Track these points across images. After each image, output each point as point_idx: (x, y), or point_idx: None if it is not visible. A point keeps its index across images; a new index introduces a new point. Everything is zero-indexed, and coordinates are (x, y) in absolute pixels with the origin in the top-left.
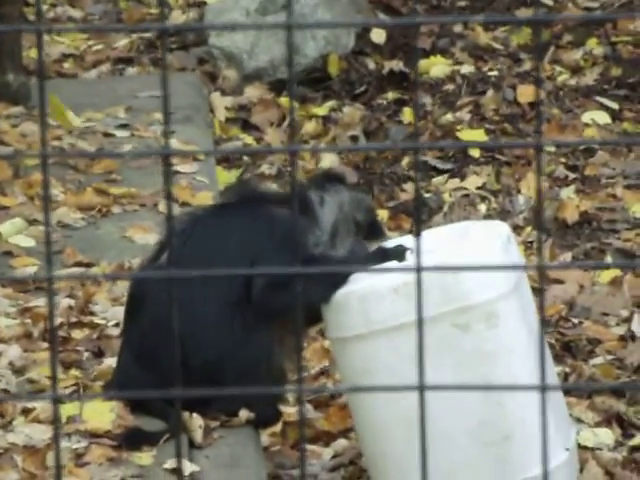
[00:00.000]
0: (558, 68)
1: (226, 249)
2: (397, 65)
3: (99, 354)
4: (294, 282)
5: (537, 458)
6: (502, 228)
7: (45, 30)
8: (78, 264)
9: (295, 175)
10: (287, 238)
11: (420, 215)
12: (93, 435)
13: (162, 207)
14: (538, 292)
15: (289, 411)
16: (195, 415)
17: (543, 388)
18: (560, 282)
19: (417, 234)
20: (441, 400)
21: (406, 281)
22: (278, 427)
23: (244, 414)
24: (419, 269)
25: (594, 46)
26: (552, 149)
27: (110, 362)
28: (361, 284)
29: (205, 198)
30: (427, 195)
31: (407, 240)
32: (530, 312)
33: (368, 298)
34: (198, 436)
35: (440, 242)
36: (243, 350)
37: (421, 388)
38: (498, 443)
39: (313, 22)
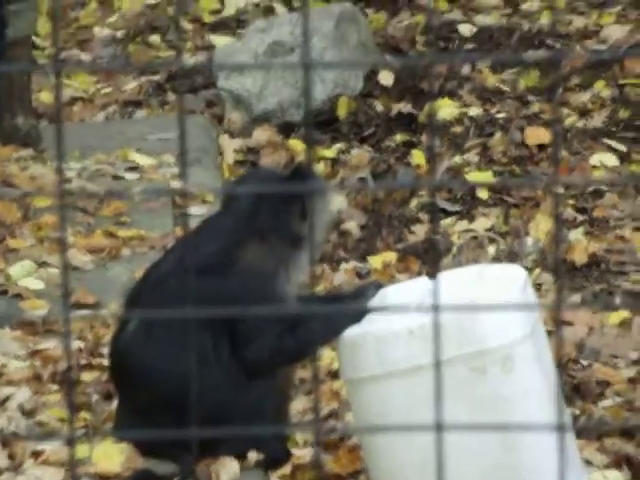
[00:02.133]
0: (566, 110)
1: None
2: (405, 107)
3: (109, 396)
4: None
5: None
6: (518, 271)
7: (63, 69)
8: (86, 306)
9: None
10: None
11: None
12: (103, 477)
13: None
14: (554, 332)
15: (298, 454)
16: (229, 459)
17: (560, 427)
18: (569, 324)
19: (434, 275)
20: (456, 443)
21: (422, 324)
22: (288, 469)
23: (253, 456)
24: (436, 309)
25: (602, 88)
26: (561, 191)
27: None
28: (377, 325)
29: None
30: (436, 237)
31: (422, 282)
32: (546, 357)
33: (384, 339)
34: (224, 479)
35: (456, 285)
36: (246, 396)
37: (439, 427)
38: None
39: (328, 62)
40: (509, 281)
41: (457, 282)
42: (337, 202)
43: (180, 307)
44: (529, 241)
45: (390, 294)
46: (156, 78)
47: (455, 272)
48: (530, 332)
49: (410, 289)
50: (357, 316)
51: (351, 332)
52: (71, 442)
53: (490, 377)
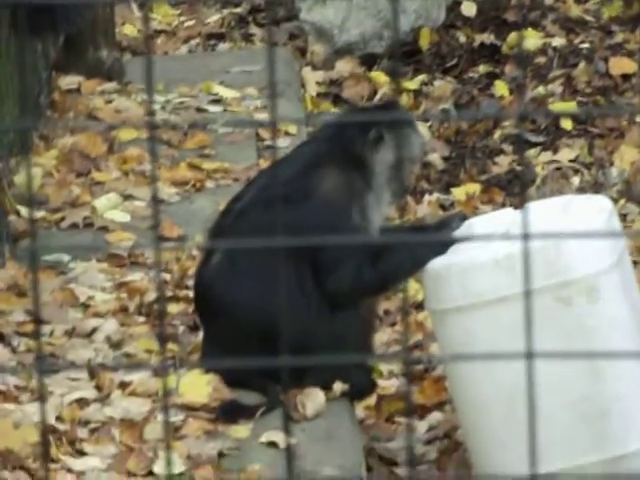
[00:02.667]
0: None
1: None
2: (488, 38)
3: (195, 328)
4: (372, 275)
5: (635, 435)
6: (604, 202)
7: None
8: (171, 239)
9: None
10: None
11: (523, 185)
12: (190, 408)
13: None
14: None
15: (383, 384)
16: (315, 389)
17: None
18: None
19: (520, 205)
20: (542, 375)
21: (508, 253)
22: (373, 400)
23: (338, 386)
24: (526, 237)
25: None
26: None
27: None
28: (462, 256)
29: None
30: (520, 168)
31: (507, 213)
32: (632, 288)
33: (469, 270)
34: (310, 410)
35: (541, 215)
36: (330, 326)
37: (529, 355)
38: (597, 418)
39: None
40: (595, 211)
41: (543, 213)
42: (422, 135)
43: (261, 237)
44: (614, 172)
45: (475, 225)
46: (238, 11)
47: (540, 203)
48: (616, 262)
49: (495, 220)
50: (440, 247)
51: (435, 263)
52: (162, 372)
53: (576, 307)
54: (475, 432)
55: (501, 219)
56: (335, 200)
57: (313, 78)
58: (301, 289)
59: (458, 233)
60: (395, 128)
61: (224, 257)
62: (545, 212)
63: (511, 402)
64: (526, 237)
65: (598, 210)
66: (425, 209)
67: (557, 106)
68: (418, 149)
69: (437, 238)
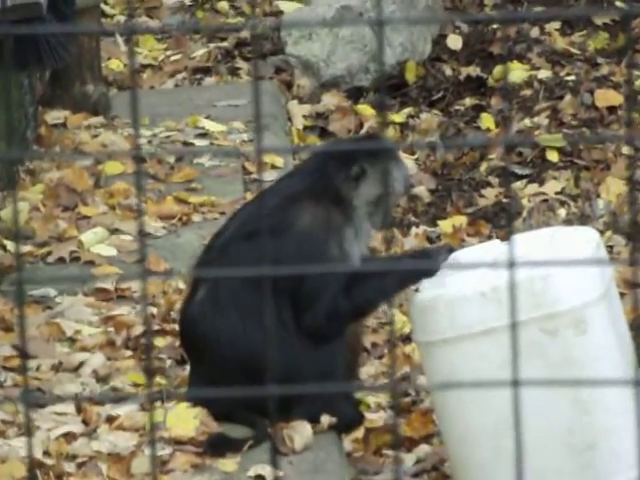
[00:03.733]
0: (636, 72)
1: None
2: (474, 71)
3: (182, 361)
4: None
5: (623, 466)
6: (591, 234)
7: (135, 32)
8: (157, 272)
9: None
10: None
11: (509, 217)
12: (177, 442)
13: None
14: (627, 294)
15: (371, 417)
16: (302, 423)
17: (638, 383)
18: None
19: (508, 236)
20: (530, 406)
21: (495, 286)
22: (360, 433)
23: (326, 419)
24: (512, 266)
25: None
26: (631, 152)
27: None
28: (449, 288)
29: None
30: (506, 200)
31: (494, 244)
32: (619, 319)
33: (456, 303)
34: (297, 443)
35: (528, 247)
36: (315, 360)
37: (515, 383)
38: (584, 450)
39: (400, 18)
40: (582, 243)
41: (530, 244)
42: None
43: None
44: (600, 203)
45: (462, 257)
46: (225, 45)
47: (527, 235)
48: (603, 293)
49: (482, 252)
50: (416, 275)
51: (423, 295)
52: (150, 405)
53: (563, 339)
54: (463, 464)
55: (488, 251)
56: (313, 234)
57: (299, 111)
58: (282, 323)
59: (443, 264)
60: (378, 162)
61: (207, 293)
62: (532, 243)
63: (498, 434)
64: (512, 266)
65: (585, 241)
66: (412, 242)
67: (543, 138)
68: (402, 182)
69: (411, 266)
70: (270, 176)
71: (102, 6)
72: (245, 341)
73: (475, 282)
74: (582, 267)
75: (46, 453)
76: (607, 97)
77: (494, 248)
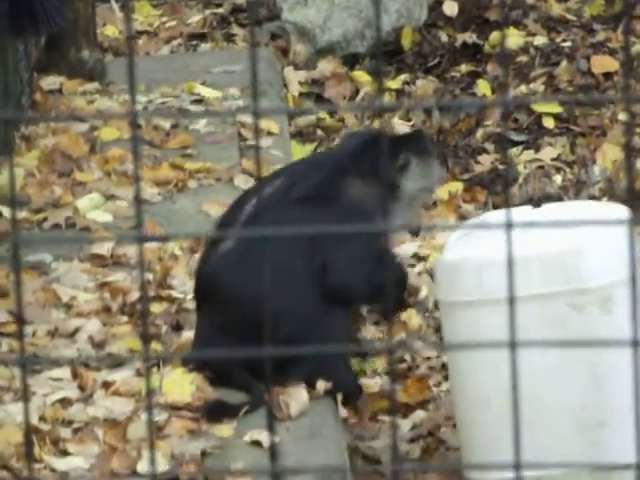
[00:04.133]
0: (632, 39)
1: (293, 239)
2: (470, 37)
3: (177, 327)
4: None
5: (630, 448)
6: (622, 212)
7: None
8: (154, 238)
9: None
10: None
11: (507, 182)
12: (173, 408)
13: (237, 181)
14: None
15: (367, 383)
16: (298, 388)
17: (635, 343)
18: None
19: (505, 202)
20: (546, 379)
21: (526, 255)
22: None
23: (322, 385)
24: (509, 226)
25: None
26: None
27: (189, 335)
28: (478, 250)
29: None
30: (501, 167)
31: (526, 210)
32: None
33: (485, 266)
34: (293, 409)
35: (562, 219)
36: (323, 324)
37: (512, 345)
38: (594, 427)
39: None
40: (615, 222)
41: (562, 216)
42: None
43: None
44: (596, 170)
45: (491, 219)
46: (220, 11)
47: (558, 207)
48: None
49: (513, 217)
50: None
51: (450, 254)
52: (146, 371)
53: (588, 316)
54: (471, 427)
55: (519, 217)
56: (360, 206)
57: (295, 78)
58: (306, 285)
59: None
60: (420, 157)
61: (236, 246)
62: (564, 216)
63: (509, 400)
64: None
65: (618, 221)
66: None
67: (539, 105)
68: (437, 180)
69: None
70: (266, 142)
71: None
72: (263, 296)
73: (505, 247)
74: (614, 245)
75: (42, 418)
76: (603, 63)
77: (525, 214)
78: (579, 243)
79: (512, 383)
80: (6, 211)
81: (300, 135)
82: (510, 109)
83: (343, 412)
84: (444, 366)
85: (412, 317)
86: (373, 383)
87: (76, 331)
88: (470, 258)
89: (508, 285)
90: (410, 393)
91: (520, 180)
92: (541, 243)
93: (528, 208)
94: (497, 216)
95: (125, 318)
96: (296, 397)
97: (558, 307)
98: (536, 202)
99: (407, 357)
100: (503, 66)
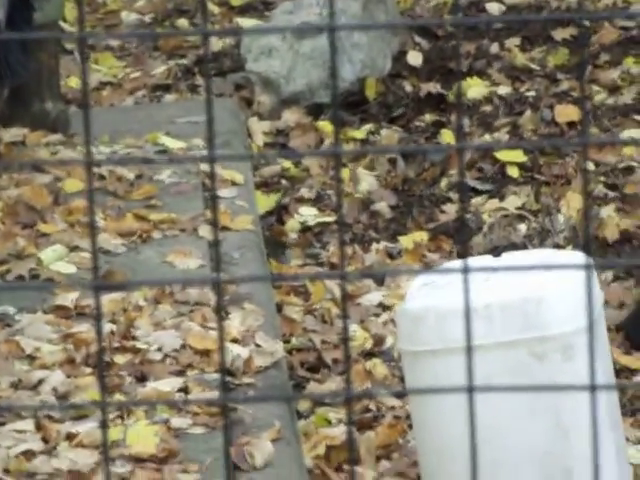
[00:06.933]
0: (595, 88)
1: None
2: (434, 87)
3: (142, 379)
4: None
5: None
6: (584, 260)
7: (88, 37)
8: (117, 289)
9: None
10: None
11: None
12: (137, 459)
13: (202, 232)
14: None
15: (332, 434)
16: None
17: (593, 387)
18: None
19: (464, 254)
20: (510, 428)
21: (487, 303)
22: (322, 449)
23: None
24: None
25: (631, 65)
26: (592, 168)
27: (153, 386)
28: (440, 299)
29: (244, 222)
30: (467, 216)
31: (488, 259)
32: (605, 349)
33: (446, 315)
34: (258, 459)
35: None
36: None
37: (470, 389)
38: (560, 475)
39: (354, 24)
40: (576, 269)
41: (524, 265)
42: (367, 182)
43: None
44: (560, 218)
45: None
46: (184, 62)
47: (518, 256)
48: (594, 321)
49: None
50: None
51: (412, 304)
52: (103, 416)
53: (549, 364)
54: (435, 476)
55: (481, 265)
56: None
57: (260, 128)
58: None
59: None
60: None
61: None
62: (527, 264)
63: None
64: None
65: (579, 267)
66: (373, 257)
67: (503, 154)
68: None
69: None
70: (230, 193)
71: (61, 23)
72: None
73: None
74: (575, 293)
75: (6, 471)
76: (567, 112)
77: (487, 263)
78: (540, 291)
79: (470, 429)
80: None
81: (265, 185)
82: (470, 156)
83: (309, 462)
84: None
85: (377, 366)
86: (339, 433)
87: (40, 383)
88: (431, 307)
89: (465, 332)
90: (376, 442)
91: (485, 229)
92: (502, 291)
93: (490, 257)
94: (459, 265)
95: (89, 369)
96: (261, 447)
97: (520, 355)
98: (497, 251)
99: (372, 407)
100: (460, 113)
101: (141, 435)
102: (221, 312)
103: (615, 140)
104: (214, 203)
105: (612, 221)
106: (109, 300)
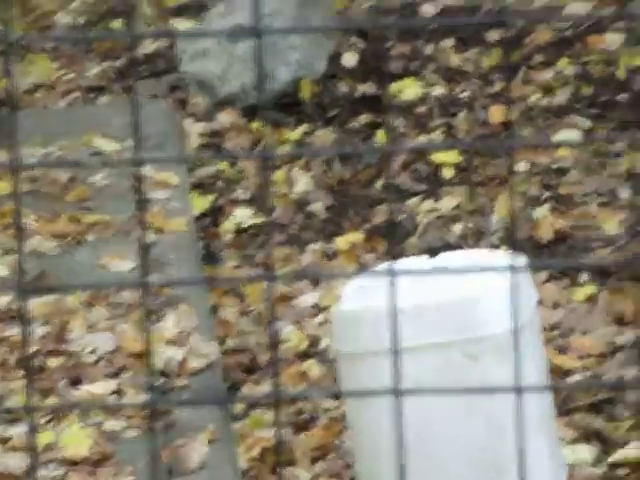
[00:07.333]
0: (530, 88)
1: None
2: (370, 88)
3: (75, 382)
4: None
5: None
6: (519, 260)
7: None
8: (51, 292)
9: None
10: None
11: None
12: (70, 462)
13: (136, 234)
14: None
15: (267, 436)
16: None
17: (519, 390)
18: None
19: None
20: (443, 429)
21: (421, 304)
22: (256, 451)
23: None
24: (392, 275)
25: (565, 66)
26: (525, 169)
27: (86, 389)
28: (377, 301)
29: (178, 224)
30: (401, 217)
31: (424, 260)
32: (539, 350)
33: (381, 317)
34: (193, 461)
35: (457, 266)
36: None
37: (396, 393)
38: (494, 475)
39: (278, 28)
40: (510, 269)
41: (458, 265)
42: (302, 183)
43: None
44: (494, 219)
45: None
46: (118, 64)
47: (456, 255)
48: (527, 322)
49: (414, 265)
50: None
51: (348, 305)
52: (30, 417)
53: (483, 364)
54: (369, 477)
55: (415, 266)
56: None
57: (194, 129)
58: None
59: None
60: None
61: None
62: (461, 264)
63: (410, 451)
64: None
65: (513, 268)
66: (309, 258)
67: (438, 155)
68: None
69: None
70: (164, 194)
71: None
72: None
73: (401, 298)
74: (507, 293)
75: None
76: (501, 113)
77: (422, 263)
78: (473, 292)
79: (396, 430)
80: None
81: (201, 187)
82: (405, 157)
83: (244, 464)
84: (345, 416)
85: (312, 368)
86: (272, 435)
87: None
88: (366, 309)
89: (392, 333)
90: (312, 444)
91: (420, 229)
92: (436, 292)
93: (425, 257)
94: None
95: (22, 372)
96: (195, 450)
97: (454, 357)
98: (432, 251)
99: (307, 408)
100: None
101: (74, 438)
102: (150, 316)
103: (546, 143)
104: (142, 206)
105: (546, 221)
106: (42, 303)
